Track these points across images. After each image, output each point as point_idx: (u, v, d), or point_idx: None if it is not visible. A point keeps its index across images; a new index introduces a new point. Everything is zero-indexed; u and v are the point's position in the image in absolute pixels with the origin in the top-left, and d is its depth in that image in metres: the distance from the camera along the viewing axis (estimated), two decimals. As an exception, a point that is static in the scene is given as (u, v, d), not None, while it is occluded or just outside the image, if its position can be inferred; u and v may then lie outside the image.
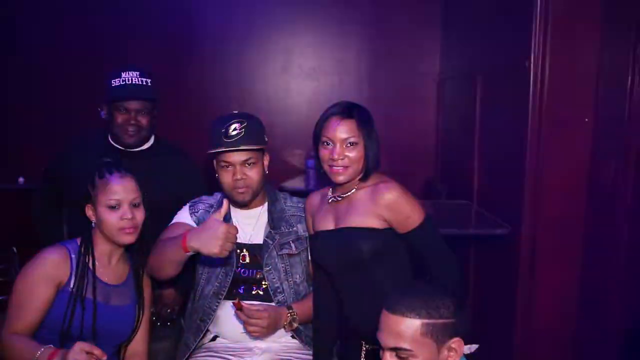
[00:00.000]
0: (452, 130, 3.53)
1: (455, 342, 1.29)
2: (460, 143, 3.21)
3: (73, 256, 1.74)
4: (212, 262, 1.96)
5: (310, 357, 1.93)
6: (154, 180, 2.19)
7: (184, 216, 2.02)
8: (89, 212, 1.78)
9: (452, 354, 1.29)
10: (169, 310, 2.25)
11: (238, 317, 1.82)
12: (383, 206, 1.71)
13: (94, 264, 1.76)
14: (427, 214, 1.75)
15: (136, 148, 2.29)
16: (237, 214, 2.02)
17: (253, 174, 1.92)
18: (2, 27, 3.76)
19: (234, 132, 1.86)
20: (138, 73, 2.23)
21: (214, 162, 1.96)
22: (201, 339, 1.98)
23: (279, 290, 1.94)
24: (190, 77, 3.81)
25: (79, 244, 1.78)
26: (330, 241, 1.78)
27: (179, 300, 2.27)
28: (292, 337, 1.98)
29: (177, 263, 1.79)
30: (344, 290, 1.81)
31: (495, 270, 2.67)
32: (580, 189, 2.28)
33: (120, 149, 2.27)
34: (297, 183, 3.50)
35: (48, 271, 1.70)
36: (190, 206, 2.05)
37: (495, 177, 2.75)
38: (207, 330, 1.98)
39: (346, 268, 1.76)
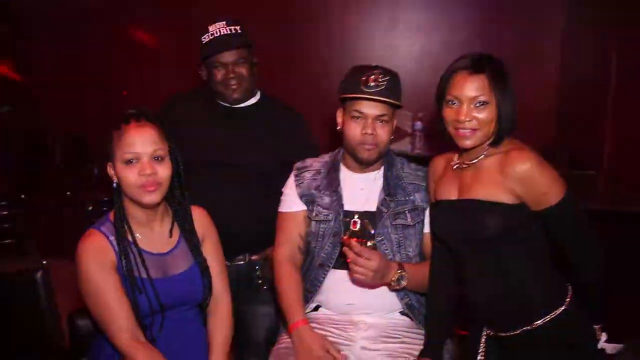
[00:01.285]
0: (577, 91, 3.17)
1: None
2: (588, 105, 2.87)
3: (111, 238, 1.57)
4: (321, 232, 1.85)
5: (422, 337, 1.77)
6: (263, 137, 2.12)
7: (291, 193, 1.92)
8: (110, 171, 1.57)
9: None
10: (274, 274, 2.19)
11: (344, 258, 1.68)
12: (515, 179, 1.46)
13: (134, 238, 1.58)
14: (567, 190, 1.48)
15: (242, 103, 2.18)
16: (349, 177, 1.88)
17: (383, 133, 1.78)
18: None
19: (374, 83, 1.73)
20: (224, 22, 2.09)
21: (341, 112, 1.83)
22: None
23: None
24: (295, 34, 3.69)
25: (111, 220, 1.60)
26: (453, 213, 1.59)
27: None
28: (402, 313, 1.84)
29: None
30: (466, 268, 1.61)
31: (628, 253, 2.37)
32: None
33: (225, 106, 2.17)
34: (402, 146, 3.32)
35: (97, 261, 1.53)
36: (295, 175, 1.94)
37: (631, 145, 2.42)
38: (310, 302, 1.88)
39: (469, 244, 1.56)
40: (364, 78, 1.74)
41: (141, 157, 1.53)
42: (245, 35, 2.13)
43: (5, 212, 3.99)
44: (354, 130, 1.78)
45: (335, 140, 1.95)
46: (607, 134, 2.60)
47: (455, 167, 1.61)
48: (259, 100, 2.21)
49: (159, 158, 1.56)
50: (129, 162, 1.53)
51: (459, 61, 1.53)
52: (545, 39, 3.48)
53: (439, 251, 1.72)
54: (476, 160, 1.56)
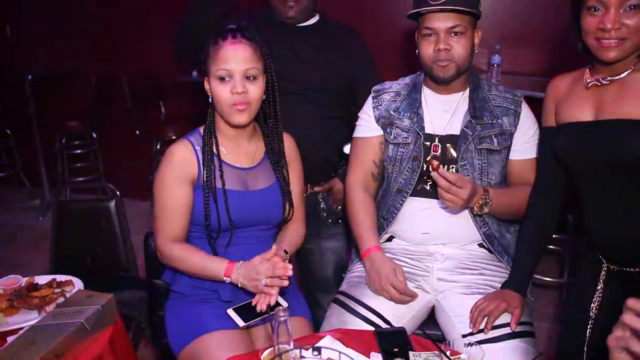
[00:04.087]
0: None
1: None
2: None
3: (197, 148, 1.59)
4: (399, 156, 1.77)
5: (501, 271, 1.69)
6: (322, 58, 2.03)
7: (367, 117, 1.84)
8: (206, 85, 1.58)
9: None
10: (339, 207, 2.13)
11: (434, 184, 1.58)
12: None
13: (218, 151, 1.60)
14: None
15: (300, 23, 2.06)
16: (431, 99, 1.77)
17: (459, 46, 1.63)
18: None
19: None
20: None
21: (416, 35, 1.71)
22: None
23: None
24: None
25: (201, 132, 1.63)
26: (589, 136, 1.41)
27: None
28: (480, 245, 1.74)
29: None
30: (594, 197, 1.46)
31: None
32: None
33: (285, 24, 2.05)
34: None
35: (177, 171, 1.57)
36: (373, 98, 1.84)
37: None
38: (384, 232, 1.81)
39: (606, 170, 1.40)
40: None
41: (234, 74, 1.53)
42: None
43: (78, 151, 4.15)
44: (427, 49, 1.66)
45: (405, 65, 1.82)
46: None
47: (590, 84, 1.43)
48: (318, 21, 2.09)
49: (252, 77, 1.55)
50: (222, 79, 1.54)
51: None
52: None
53: (548, 177, 1.59)
54: (623, 75, 1.37)
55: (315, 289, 2.18)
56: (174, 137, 3.73)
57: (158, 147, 3.82)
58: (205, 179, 1.58)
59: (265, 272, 1.48)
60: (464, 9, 1.60)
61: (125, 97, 3.88)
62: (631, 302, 0.98)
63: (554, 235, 2.54)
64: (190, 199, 1.59)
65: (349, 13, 2.28)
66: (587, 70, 1.46)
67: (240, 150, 1.66)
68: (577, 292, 1.60)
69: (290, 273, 1.48)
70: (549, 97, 1.56)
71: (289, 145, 1.74)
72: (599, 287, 1.48)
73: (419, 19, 1.67)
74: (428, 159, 1.64)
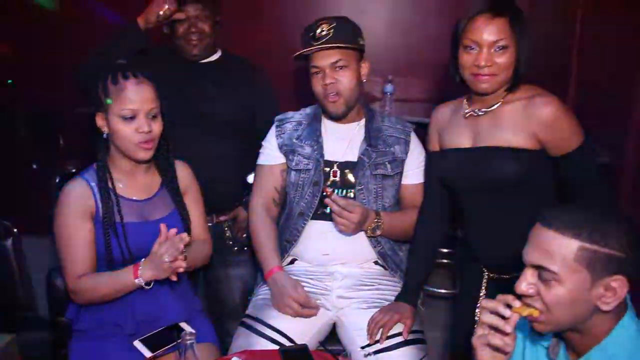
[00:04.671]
0: (541, 48, 3.21)
1: (618, 282, 1.06)
2: (553, 62, 2.91)
3: (93, 184, 1.62)
4: (301, 181, 1.88)
5: (395, 285, 1.84)
6: (223, 94, 2.12)
7: (270, 145, 1.94)
8: (100, 121, 1.60)
9: (609, 294, 1.06)
10: (245, 235, 2.20)
11: (327, 213, 1.75)
12: (540, 123, 1.47)
13: (114, 185, 1.63)
14: (586, 136, 1.51)
15: (203, 60, 2.17)
16: (330, 128, 1.91)
17: (344, 79, 1.78)
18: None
19: (322, 33, 1.75)
20: None
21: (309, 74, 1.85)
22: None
23: None
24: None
25: (95, 168, 1.65)
26: (468, 161, 1.59)
27: None
28: (376, 262, 1.88)
29: None
30: (474, 214, 1.65)
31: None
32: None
33: (187, 61, 2.15)
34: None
35: (74, 210, 1.59)
36: (276, 127, 1.96)
37: (595, 98, 2.47)
38: (287, 254, 1.91)
39: (482, 190, 1.58)
40: (311, 33, 1.76)
41: (139, 114, 1.57)
42: None
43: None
44: (316, 86, 1.81)
45: (303, 96, 1.96)
46: (570, 92, 2.66)
47: (468, 114, 1.61)
48: (220, 56, 2.20)
49: (154, 116, 1.61)
50: (127, 118, 1.57)
51: (478, 6, 1.50)
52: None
53: (434, 198, 1.76)
54: (495, 107, 1.56)
55: (224, 315, 2.22)
56: (73, 170, 3.62)
57: (57, 180, 3.69)
58: (102, 214, 1.60)
59: (166, 251, 1.52)
60: (343, 45, 1.75)
61: (18, 128, 3.74)
62: (484, 302, 1.14)
63: (445, 250, 2.76)
64: (92, 234, 1.61)
65: (250, 48, 2.40)
66: (465, 100, 1.65)
67: (136, 183, 1.69)
68: (463, 300, 1.78)
69: (187, 239, 1.53)
70: (432, 125, 1.74)
71: (185, 172, 1.79)
72: (481, 294, 1.66)
73: (307, 58, 1.81)
74: (327, 189, 1.75)
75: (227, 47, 2.28)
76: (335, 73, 1.77)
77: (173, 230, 1.54)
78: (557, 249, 1.07)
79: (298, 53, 1.79)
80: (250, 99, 2.16)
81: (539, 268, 1.10)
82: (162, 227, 1.55)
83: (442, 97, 1.81)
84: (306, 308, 1.71)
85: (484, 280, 1.67)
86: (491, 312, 1.13)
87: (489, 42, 1.47)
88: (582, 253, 1.06)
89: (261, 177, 1.94)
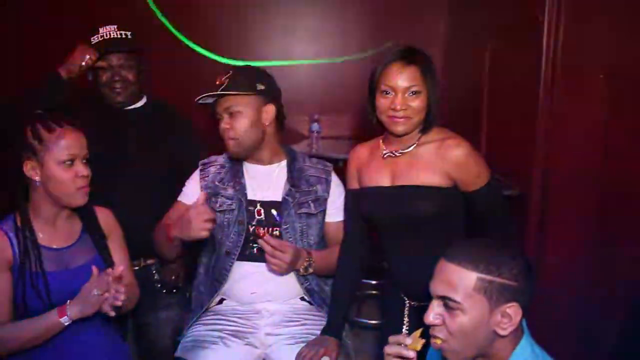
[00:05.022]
0: (458, 91, 3.43)
1: (512, 308, 1.17)
2: (468, 104, 3.13)
3: (11, 234, 1.60)
4: (225, 222, 1.92)
5: (321, 319, 1.90)
6: (146, 141, 2.16)
7: (192, 185, 2.00)
8: (30, 170, 1.59)
9: (505, 320, 1.18)
10: (173, 277, 2.22)
11: (257, 256, 1.83)
12: (452, 163, 1.62)
13: (32, 234, 1.62)
14: (492, 173, 1.67)
15: (127, 107, 2.20)
16: (252, 170, 1.98)
17: (237, 124, 1.87)
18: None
19: (218, 83, 1.86)
20: (115, 26, 2.15)
21: None
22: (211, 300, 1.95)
23: None
24: (184, 35, 3.68)
25: (14, 218, 1.63)
26: (388, 198, 1.70)
27: (183, 267, 2.22)
28: (302, 299, 1.95)
29: (171, 248, 1.89)
30: (393, 247, 1.76)
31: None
32: (593, 147, 2.20)
33: (111, 108, 2.19)
34: (301, 148, 3.40)
35: None
36: (200, 170, 2.02)
37: (504, 136, 2.68)
38: (216, 293, 1.95)
39: (401, 225, 1.70)
40: (216, 82, 1.87)
41: (76, 159, 1.60)
42: (135, 40, 2.17)
43: None
44: (219, 130, 1.90)
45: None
46: (482, 130, 2.87)
47: (386, 155, 1.72)
48: (145, 103, 2.25)
49: (87, 160, 1.64)
50: (65, 163, 1.58)
51: (391, 54, 1.64)
52: (429, 43, 3.71)
53: (353, 233, 1.85)
54: (411, 149, 1.68)
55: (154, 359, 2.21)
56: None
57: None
58: (20, 264, 1.58)
59: (95, 286, 1.52)
60: (233, 92, 1.85)
61: None
62: (387, 349, 1.27)
63: (374, 282, 2.87)
64: (9, 285, 1.57)
65: (175, 94, 2.44)
66: (381, 141, 1.77)
67: (56, 231, 1.68)
68: (388, 329, 1.85)
69: (121, 268, 1.55)
70: (351, 164, 1.84)
71: (107, 217, 1.79)
72: (405, 322, 1.77)
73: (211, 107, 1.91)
74: (260, 232, 1.84)
75: (157, 93, 2.32)
76: (229, 118, 1.87)
77: (95, 269, 1.55)
78: (459, 281, 1.18)
79: (197, 99, 1.89)
80: (173, 145, 2.20)
81: (444, 299, 1.20)
82: (94, 268, 1.55)
83: (366, 134, 1.92)
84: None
85: (406, 308, 1.77)
86: (394, 356, 1.24)
87: (403, 88, 1.60)
88: (480, 283, 1.17)
89: (174, 211, 1.98)
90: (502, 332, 1.19)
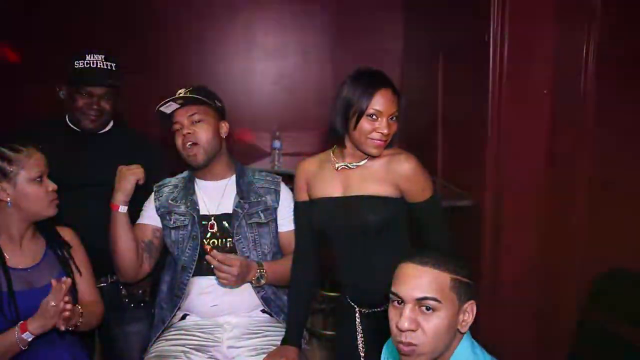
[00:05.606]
0: (414, 107, 3.55)
1: (470, 305, 1.30)
2: (423, 119, 3.25)
3: None
4: (180, 238, 1.97)
5: (282, 330, 1.94)
6: (109, 162, 2.15)
7: (148, 207, 2.05)
8: (0, 192, 1.68)
9: (466, 317, 1.30)
10: (140, 291, 2.23)
11: (209, 268, 1.85)
12: (401, 175, 1.72)
13: (1, 256, 1.69)
14: (435, 188, 1.79)
15: (98, 131, 2.23)
16: (203, 186, 2.03)
17: (201, 130, 1.93)
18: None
19: (181, 94, 1.93)
20: (103, 57, 2.16)
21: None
22: (172, 317, 1.98)
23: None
24: (150, 56, 3.71)
25: None
26: (340, 207, 1.78)
27: (150, 281, 2.24)
28: (263, 311, 1.99)
29: (126, 230, 1.95)
30: (344, 255, 1.83)
31: (461, 241, 2.71)
32: (540, 158, 2.33)
33: (77, 131, 2.21)
34: (263, 165, 3.46)
35: None
36: (155, 192, 2.07)
37: (458, 151, 2.80)
38: (178, 309, 1.98)
39: (352, 234, 1.78)
40: (174, 96, 1.93)
41: (44, 175, 1.74)
42: (118, 72, 2.20)
43: None
44: (178, 141, 1.96)
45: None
46: (438, 144, 2.98)
47: (339, 167, 1.80)
48: (112, 127, 2.27)
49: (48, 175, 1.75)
50: (36, 180, 1.71)
51: (373, 79, 1.70)
52: (387, 62, 3.84)
53: (305, 244, 1.91)
54: (364, 162, 1.77)
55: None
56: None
57: None
58: None
59: (51, 298, 1.56)
60: (199, 98, 1.93)
61: None
62: None
63: (332, 294, 2.93)
64: None
65: (140, 118, 2.48)
66: (331, 154, 1.83)
67: (22, 251, 1.73)
68: (342, 336, 1.94)
69: (69, 282, 1.60)
70: (300, 177, 1.90)
71: (68, 235, 1.85)
72: (358, 329, 1.84)
73: (170, 120, 1.96)
74: (205, 247, 1.87)
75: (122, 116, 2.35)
76: (192, 126, 1.93)
77: (54, 282, 1.58)
78: (437, 281, 1.27)
79: (158, 107, 1.93)
80: (143, 167, 2.21)
81: (424, 300, 1.26)
82: (54, 282, 1.59)
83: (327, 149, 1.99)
84: None
85: (357, 316, 1.84)
86: None
87: (389, 113, 1.69)
88: (452, 283, 1.28)
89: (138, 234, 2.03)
90: (463, 330, 1.30)
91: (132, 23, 3.67)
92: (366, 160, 1.77)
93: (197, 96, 1.93)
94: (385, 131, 1.69)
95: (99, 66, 2.15)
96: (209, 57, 3.81)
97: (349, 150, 1.78)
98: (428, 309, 1.25)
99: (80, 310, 1.63)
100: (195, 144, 1.93)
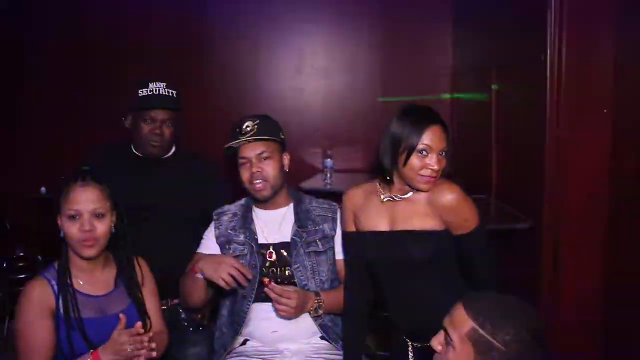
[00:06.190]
0: (467, 124, 3.52)
1: None
2: (477, 137, 3.21)
3: (53, 282, 1.71)
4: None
5: (340, 358, 1.95)
6: (174, 188, 2.26)
7: (209, 237, 2.10)
8: (59, 221, 1.73)
9: None
10: (199, 316, 2.29)
11: (269, 298, 1.87)
12: (444, 207, 1.70)
13: (72, 281, 1.72)
14: (482, 218, 1.76)
15: (160, 157, 2.32)
16: (262, 215, 2.07)
17: (269, 168, 1.98)
18: (21, 42, 3.82)
19: (248, 129, 1.96)
20: (165, 84, 2.27)
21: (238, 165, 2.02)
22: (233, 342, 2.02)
23: (306, 288, 1.98)
24: (204, 80, 3.83)
25: (56, 267, 1.75)
26: (386, 243, 1.78)
27: (209, 306, 2.29)
28: (322, 338, 2.01)
29: (198, 288, 1.94)
30: (393, 291, 1.82)
31: (518, 265, 2.67)
32: (602, 178, 2.27)
33: (142, 157, 2.31)
34: (315, 183, 3.51)
35: (35, 308, 1.67)
36: (214, 221, 2.12)
37: (514, 170, 2.75)
38: (239, 334, 2.02)
39: (400, 270, 1.77)
40: (238, 129, 1.97)
41: (83, 214, 1.69)
42: (179, 100, 2.30)
43: None
44: (244, 175, 1.99)
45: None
46: (493, 163, 2.94)
47: (385, 200, 1.80)
48: (174, 153, 2.36)
49: (100, 215, 1.71)
50: (72, 217, 1.68)
51: (421, 115, 1.71)
52: (438, 78, 3.83)
53: (354, 271, 1.91)
54: (410, 195, 1.76)
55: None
56: (22, 254, 3.63)
57: (4, 265, 3.65)
58: (63, 311, 1.68)
59: (127, 342, 1.60)
60: (267, 138, 1.97)
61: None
62: None
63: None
64: (53, 331, 1.67)
65: (210, 144, 2.56)
66: (378, 185, 1.83)
67: (95, 280, 1.78)
68: None
69: (150, 335, 1.64)
70: (347, 208, 1.90)
71: (140, 266, 1.89)
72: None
73: (236, 151, 2.00)
74: (264, 280, 1.91)
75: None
76: (260, 163, 1.97)
77: (123, 318, 1.64)
78: (459, 322, 1.29)
79: (228, 145, 1.99)
80: (201, 191, 2.30)
81: (446, 332, 1.31)
82: (122, 317, 1.64)
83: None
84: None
85: (410, 350, 1.83)
86: None
87: (439, 149, 1.68)
88: (472, 333, 1.26)
89: (194, 262, 2.05)
90: None
91: (187, 44, 3.80)
92: (412, 193, 1.76)
93: (265, 137, 1.97)
94: (436, 167, 1.67)
95: (161, 93, 2.26)
96: (261, 79, 3.89)
97: (397, 185, 1.78)
98: (447, 341, 1.31)
99: (154, 347, 1.65)
100: (263, 180, 1.98)
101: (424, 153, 1.68)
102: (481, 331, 1.25)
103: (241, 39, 3.87)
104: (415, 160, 1.69)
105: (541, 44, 2.28)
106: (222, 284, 1.84)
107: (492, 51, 3.09)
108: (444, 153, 1.70)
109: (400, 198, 1.78)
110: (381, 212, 1.81)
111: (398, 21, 3.86)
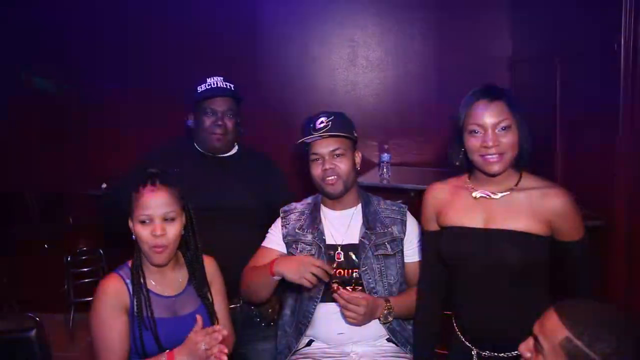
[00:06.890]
0: (528, 117, 3.39)
1: None
2: (539, 131, 3.08)
3: (127, 281, 1.73)
4: None
5: (408, 360, 1.92)
6: (240, 186, 2.26)
7: (274, 232, 2.09)
8: (130, 224, 1.74)
9: None
10: (270, 311, 2.29)
11: (336, 302, 1.86)
12: (554, 211, 1.58)
13: (145, 281, 1.74)
14: (586, 233, 1.64)
15: (222, 154, 2.32)
16: (330, 215, 2.05)
17: (342, 164, 1.96)
18: (84, 51, 3.91)
19: (321, 125, 1.94)
20: (222, 78, 2.30)
21: (309, 160, 2.01)
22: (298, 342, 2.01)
23: (374, 291, 1.95)
24: (257, 76, 3.82)
25: (129, 266, 1.77)
26: (478, 240, 1.64)
27: (279, 301, 2.28)
28: (388, 340, 1.98)
29: (268, 287, 1.93)
30: (470, 294, 1.70)
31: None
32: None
33: (206, 155, 2.32)
34: (371, 177, 3.47)
35: (111, 304, 1.69)
36: (282, 218, 2.10)
37: (581, 166, 2.63)
38: (303, 335, 2.01)
39: (487, 271, 1.64)
40: (312, 124, 1.95)
41: (153, 218, 1.69)
42: (237, 92, 2.31)
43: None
44: (316, 170, 1.98)
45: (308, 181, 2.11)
46: (558, 159, 2.82)
47: (479, 196, 1.68)
48: (237, 151, 2.37)
49: (170, 219, 1.71)
50: (143, 222, 1.69)
51: (473, 94, 1.60)
52: (495, 68, 3.70)
53: (431, 273, 1.82)
54: (508, 193, 1.64)
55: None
56: (84, 249, 3.74)
57: (69, 259, 3.76)
58: (136, 310, 1.71)
59: (202, 340, 1.61)
60: (341, 134, 1.94)
61: (30, 211, 3.85)
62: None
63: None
64: (127, 327, 1.70)
65: (263, 142, 2.58)
66: (467, 179, 1.71)
67: (166, 280, 1.80)
68: None
69: (225, 333, 1.62)
70: (428, 205, 1.78)
71: (210, 267, 1.89)
72: None
73: (307, 147, 1.98)
74: (333, 285, 1.88)
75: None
76: (333, 159, 1.95)
77: (199, 319, 1.65)
78: (551, 330, 1.22)
79: (301, 140, 1.98)
80: (265, 190, 2.31)
81: (535, 338, 1.25)
82: (198, 317, 1.66)
83: (438, 159, 1.94)
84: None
85: (474, 358, 1.71)
86: None
87: (492, 124, 1.56)
88: (566, 343, 1.19)
89: (257, 255, 2.09)
90: None
91: (238, 39, 3.81)
92: (511, 190, 1.64)
93: (339, 133, 1.95)
94: (491, 143, 1.55)
95: (219, 85, 2.29)
96: (313, 72, 3.86)
97: (477, 175, 1.67)
98: (537, 348, 1.25)
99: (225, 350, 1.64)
100: (336, 177, 1.96)
101: (477, 132, 1.58)
102: (576, 341, 1.18)
103: (291, 35, 3.84)
104: (471, 141, 1.60)
105: (613, 30, 2.16)
106: (306, 284, 1.83)
107: (555, 39, 2.96)
108: (503, 128, 1.56)
109: (498, 195, 1.65)
110: (473, 208, 1.68)
111: (451, 10, 3.74)
